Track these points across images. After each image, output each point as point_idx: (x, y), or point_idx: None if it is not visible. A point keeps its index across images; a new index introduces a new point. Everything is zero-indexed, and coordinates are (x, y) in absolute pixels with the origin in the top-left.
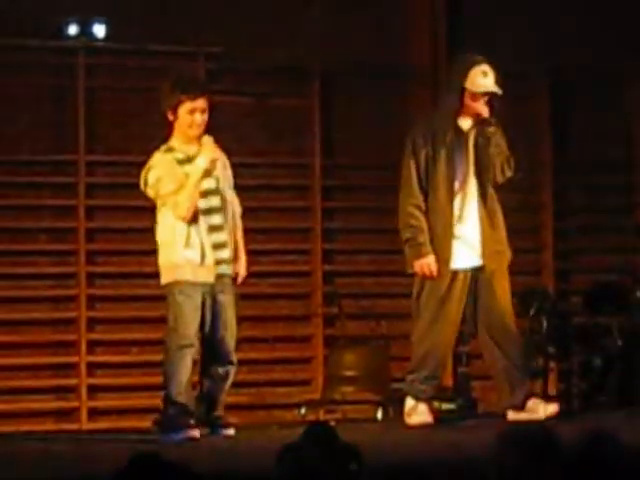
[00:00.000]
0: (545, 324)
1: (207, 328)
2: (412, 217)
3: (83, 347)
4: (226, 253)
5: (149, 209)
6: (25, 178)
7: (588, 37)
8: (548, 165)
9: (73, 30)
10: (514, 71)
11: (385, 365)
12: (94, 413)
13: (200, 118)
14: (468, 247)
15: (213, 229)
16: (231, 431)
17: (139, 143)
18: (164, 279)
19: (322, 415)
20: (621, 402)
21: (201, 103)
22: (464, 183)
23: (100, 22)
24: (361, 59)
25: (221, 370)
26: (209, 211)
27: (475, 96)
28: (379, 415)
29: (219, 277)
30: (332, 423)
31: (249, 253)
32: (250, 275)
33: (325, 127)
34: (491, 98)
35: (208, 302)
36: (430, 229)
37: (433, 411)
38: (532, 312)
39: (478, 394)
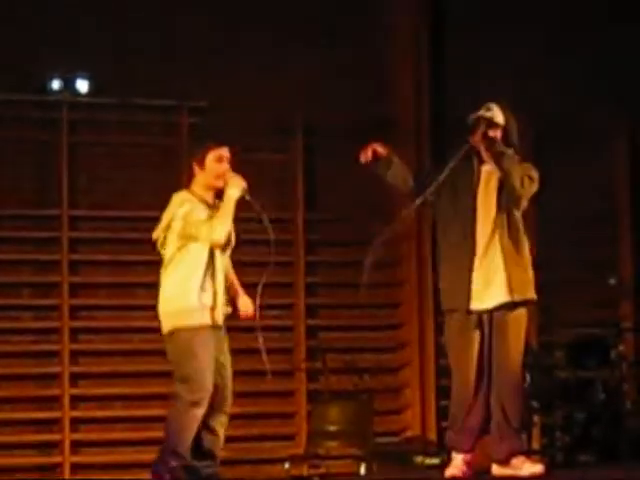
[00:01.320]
0: (528, 378)
1: (215, 378)
2: None
3: (66, 402)
4: (224, 296)
5: (133, 264)
6: (8, 232)
7: (571, 87)
8: (530, 216)
9: (56, 85)
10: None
11: (368, 420)
12: (77, 468)
13: (226, 167)
14: (482, 283)
15: (222, 271)
16: None
17: (122, 198)
18: (177, 323)
19: (306, 470)
20: (604, 456)
21: (226, 152)
22: (479, 217)
23: (83, 77)
24: (344, 114)
25: (220, 422)
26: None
27: (473, 128)
28: (362, 470)
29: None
30: (316, 479)
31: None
32: (232, 330)
33: (308, 182)
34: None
35: (216, 350)
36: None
37: (469, 464)
38: None
39: None
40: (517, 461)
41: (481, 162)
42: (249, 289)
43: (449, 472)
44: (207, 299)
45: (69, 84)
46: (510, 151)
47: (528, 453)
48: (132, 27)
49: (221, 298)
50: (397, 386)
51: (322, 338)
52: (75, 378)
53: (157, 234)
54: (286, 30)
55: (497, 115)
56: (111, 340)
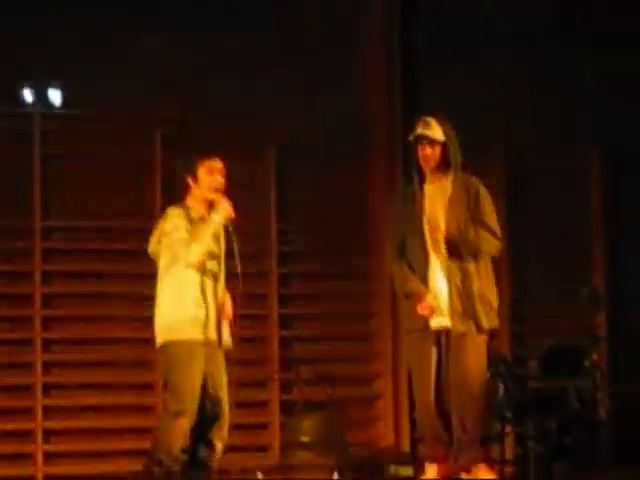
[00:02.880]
0: (501, 388)
1: (207, 391)
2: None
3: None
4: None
5: (106, 274)
6: None
7: (544, 106)
8: (503, 229)
9: (29, 96)
10: (471, 145)
11: (342, 430)
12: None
13: (220, 179)
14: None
15: (212, 289)
16: None
17: (95, 208)
18: (168, 336)
19: None
20: (577, 466)
21: (219, 164)
22: (428, 243)
23: (56, 88)
24: (318, 127)
25: (220, 434)
26: (214, 273)
27: (415, 146)
28: None
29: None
30: None
31: None
32: None
33: (280, 193)
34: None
35: (208, 363)
36: None
37: (443, 474)
38: (488, 376)
39: None
40: (476, 469)
41: (424, 181)
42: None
43: None
44: (200, 314)
45: (41, 95)
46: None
47: (489, 462)
48: (104, 39)
49: (213, 313)
50: (370, 397)
51: (295, 349)
52: (48, 389)
53: (151, 248)
54: (258, 44)
55: (435, 131)
56: (84, 351)
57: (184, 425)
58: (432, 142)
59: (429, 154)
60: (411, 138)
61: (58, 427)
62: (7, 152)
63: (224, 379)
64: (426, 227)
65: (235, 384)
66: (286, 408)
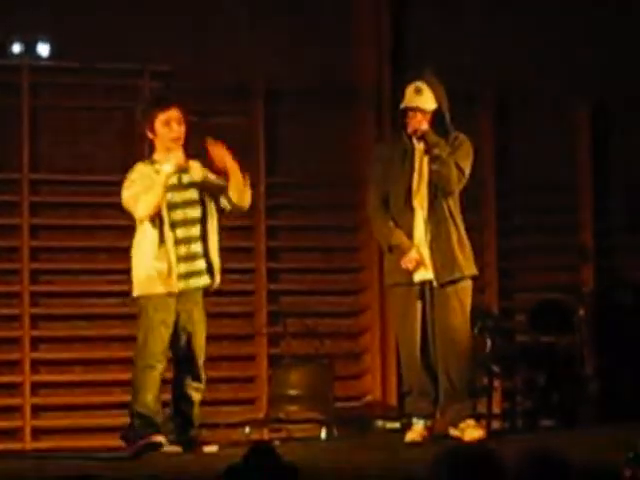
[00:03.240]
0: (489, 342)
1: (180, 345)
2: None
3: (27, 366)
4: (198, 265)
5: (94, 228)
6: None
7: (533, 57)
8: (490, 184)
9: (17, 49)
10: (458, 91)
11: (329, 384)
12: (38, 433)
13: (177, 128)
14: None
15: (186, 240)
16: (214, 448)
17: (84, 162)
18: (136, 291)
19: (267, 434)
20: (564, 421)
21: (175, 113)
22: (414, 197)
23: (44, 40)
24: (306, 78)
25: (193, 387)
26: (186, 222)
27: (405, 112)
28: (323, 434)
29: (191, 291)
30: (276, 442)
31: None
32: None
33: (269, 146)
34: (435, 113)
35: (182, 318)
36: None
37: (430, 429)
38: (476, 330)
39: None
40: (463, 425)
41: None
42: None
43: (409, 437)
44: (160, 267)
45: (30, 48)
46: (442, 142)
47: (475, 417)
48: None
49: (175, 268)
50: (358, 351)
51: (283, 302)
52: (36, 342)
53: (123, 204)
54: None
55: (427, 101)
56: (72, 304)
57: (153, 376)
58: (423, 110)
59: (419, 122)
60: (402, 107)
61: (46, 380)
62: None
63: (199, 332)
64: (414, 184)
65: (221, 337)
66: (274, 362)
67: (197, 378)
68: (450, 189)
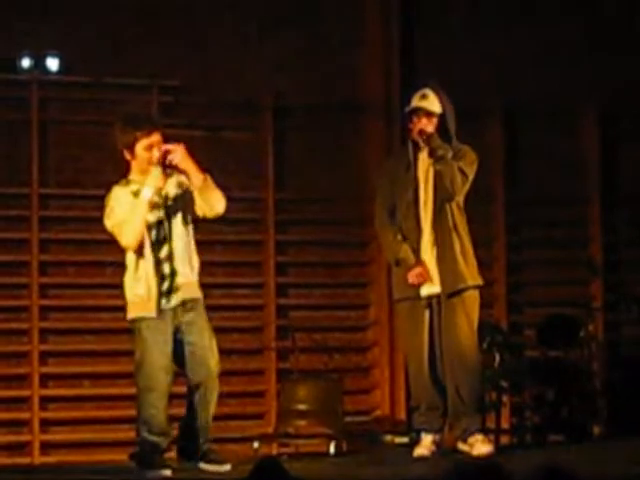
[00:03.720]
0: (498, 358)
1: (184, 359)
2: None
3: (36, 380)
4: (179, 279)
5: (102, 242)
6: None
7: (541, 70)
8: (499, 198)
9: (27, 63)
10: (467, 104)
11: (338, 399)
12: (46, 447)
13: (158, 152)
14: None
15: (166, 259)
16: (227, 467)
17: (92, 176)
18: (128, 314)
19: (275, 449)
20: (573, 436)
21: (157, 138)
22: (420, 208)
23: (53, 56)
24: (314, 93)
25: (200, 397)
26: (159, 242)
27: (410, 117)
28: (332, 449)
29: (181, 305)
30: (285, 457)
31: (203, 286)
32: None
33: (278, 161)
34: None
35: (182, 330)
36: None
37: (438, 443)
38: (484, 346)
39: None
40: (472, 439)
41: (419, 149)
42: (219, 289)
43: (417, 452)
44: (140, 291)
45: (39, 62)
46: (446, 145)
47: (484, 432)
48: (101, 6)
49: (154, 289)
50: (366, 365)
51: (292, 317)
52: (44, 356)
53: (109, 231)
54: (258, 9)
55: (433, 104)
56: (80, 318)
57: (156, 399)
58: (429, 114)
59: (425, 125)
60: (408, 110)
61: (54, 394)
62: (5, 119)
63: (205, 342)
64: (420, 196)
65: (230, 352)
66: (283, 376)
67: (209, 389)
68: (454, 190)
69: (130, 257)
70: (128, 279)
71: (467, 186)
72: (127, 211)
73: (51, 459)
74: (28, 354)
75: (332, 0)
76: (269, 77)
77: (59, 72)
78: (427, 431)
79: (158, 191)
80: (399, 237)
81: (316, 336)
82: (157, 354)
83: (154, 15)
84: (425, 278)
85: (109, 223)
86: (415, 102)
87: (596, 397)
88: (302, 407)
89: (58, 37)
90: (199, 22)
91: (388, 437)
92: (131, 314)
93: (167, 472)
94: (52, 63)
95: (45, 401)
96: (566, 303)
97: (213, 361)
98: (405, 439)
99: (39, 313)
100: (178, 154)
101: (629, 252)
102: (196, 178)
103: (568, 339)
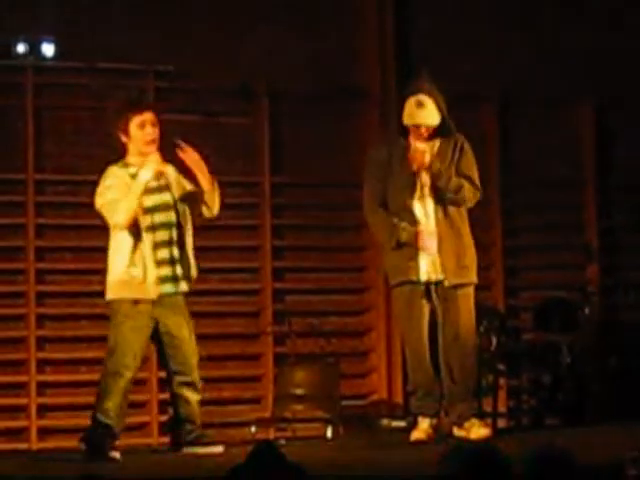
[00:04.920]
0: (494, 341)
1: (166, 351)
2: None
3: (33, 366)
4: (175, 270)
5: (98, 228)
6: None
7: (535, 57)
8: (495, 183)
9: (21, 49)
10: (461, 92)
11: (335, 383)
12: (44, 432)
13: (152, 130)
14: (429, 260)
15: (162, 245)
16: (219, 448)
17: (88, 162)
18: (108, 295)
19: (272, 433)
20: (570, 419)
21: (149, 116)
22: (416, 196)
23: (49, 41)
24: (310, 79)
25: (188, 389)
26: (161, 226)
27: (410, 128)
28: (329, 433)
29: (167, 296)
30: (282, 441)
31: (199, 271)
32: (200, 293)
33: (274, 145)
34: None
35: (162, 324)
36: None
37: (436, 428)
38: (481, 329)
39: None
40: (468, 424)
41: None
42: (215, 274)
43: (414, 436)
44: (136, 273)
45: (34, 48)
46: (444, 164)
47: (479, 416)
48: None
49: (153, 273)
50: (363, 350)
51: (289, 301)
52: (41, 342)
53: (96, 207)
54: None
55: (430, 114)
56: (77, 304)
57: (120, 384)
58: (427, 126)
59: (424, 133)
60: (407, 123)
61: (51, 380)
62: (0, 105)
63: (184, 331)
64: (417, 181)
65: (227, 336)
66: (280, 361)
67: (190, 380)
68: (468, 206)
69: (125, 238)
70: (119, 260)
71: (478, 194)
72: (123, 191)
73: (48, 444)
74: (25, 339)
75: None
76: (264, 62)
77: (54, 58)
78: (424, 415)
79: (156, 175)
80: (395, 220)
81: (313, 320)
82: (132, 341)
83: (150, 1)
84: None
85: (100, 201)
86: (411, 114)
87: (592, 381)
88: (299, 391)
89: (53, 22)
90: (194, 7)
91: (385, 421)
92: (113, 295)
93: (117, 455)
94: (47, 49)
95: (42, 387)
96: (562, 287)
97: (195, 357)
98: (402, 423)
99: (36, 298)
100: (190, 154)
101: (626, 236)
102: (206, 181)
103: (565, 323)
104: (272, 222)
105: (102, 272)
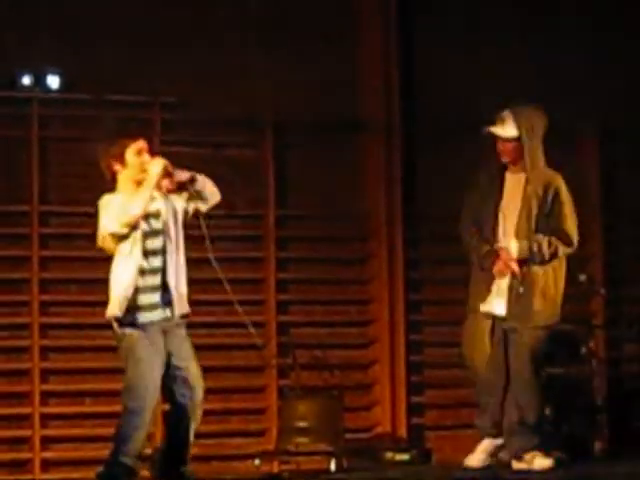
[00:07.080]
0: None
1: (172, 381)
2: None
3: (37, 398)
4: (166, 296)
5: (103, 259)
6: None
7: (542, 85)
8: None
9: (27, 81)
10: (469, 118)
11: (339, 416)
12: (47, 464)
13: (148, 158)
14: (499, 294)
15: (152, 271)
16: None
17: (93, 193)
18: (116, 330)
19: (276, 466)
20: (574, 453)
21: (143, 143)
22: (502, 225)
23: (54, 73)
24: (314, 111)
25: (186, 421)
26: (151, 253)
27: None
28: (333, 466)
29: (161, 322)
30: (286, 475)
31: (204, 303)
32: (205, 326)
33: (278, 178)
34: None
35: (169, 355)
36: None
37: (493, 454)
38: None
39: (433, 444)
40: (529, 456)
41: (505, 168)
42: (220, 306)
43: (468, 461)
44: (143, 300)
45: (40, 80)
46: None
47: (540, 449)
48: (101, 24)
49: (149, 298)
50: (367, 382)
51: (293, 334)
52: (45, 374)
53: (99, 245)
54: (257, 27)
55: (507, 128)
56: (81, 336)
57: (142, 422)
58: (502, 139)
59: (501, 149)
60: (482, 131)
61: (55, 412)
62: (5, 137)
63: (189, 362)
64: (500, 215)
65: (232, 369)
66: (283, 393)
67: (196, 409)
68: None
69: (119, 267)
70: (118, 290)
71: (575, 243)
72: (129, 197)
73: (52, 476)
74: (29, 371)
75: (330, 16)
76: (269, 94)
77: (60, 89)
78: (488, 435)
79: (166, 172)
80: (479, 238)
81: (317, 353)
82: (150, 373)
83: (154, 33)
84: (510, 268)
85: (105, 217)
86: (490, 127)
87: (597, 414)
88: (303, 424)
89: (59, 54)
90: (200, 39)
91: (389, 454)
92: (118, 311)
93: None
94: (53, 80)
95: (46, 418)
96: (567, 320)
97: (201, 390)
98: (406, 456)
99: (39, 330)
100: (158, 164)
101: (630, 270)
102: (182, 175)
103: (569, 356)
104: (277, 254)
105: (106, 304)
